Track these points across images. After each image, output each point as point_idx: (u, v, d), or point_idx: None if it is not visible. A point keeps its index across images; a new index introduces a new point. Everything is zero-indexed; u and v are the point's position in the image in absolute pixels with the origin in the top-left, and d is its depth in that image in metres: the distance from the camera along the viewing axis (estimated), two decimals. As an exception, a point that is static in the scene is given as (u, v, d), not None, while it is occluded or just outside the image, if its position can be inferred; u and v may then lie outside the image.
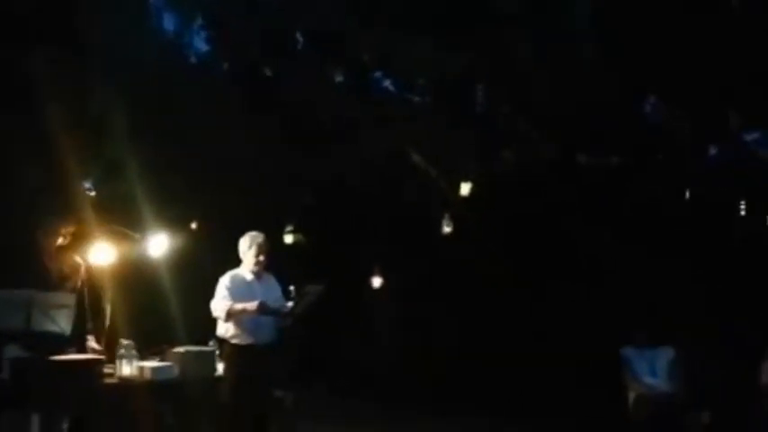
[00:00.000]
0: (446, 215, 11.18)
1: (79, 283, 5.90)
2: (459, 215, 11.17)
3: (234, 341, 6.29)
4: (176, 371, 5.68)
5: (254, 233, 6.52)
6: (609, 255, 10.45)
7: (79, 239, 6.05)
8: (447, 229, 11.22)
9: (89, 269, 6.01)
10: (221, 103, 10.46)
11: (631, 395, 7.66)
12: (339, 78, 11.31)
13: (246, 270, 6.47)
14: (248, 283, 6.43)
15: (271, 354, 6.41)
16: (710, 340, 8.90)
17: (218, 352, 6.14)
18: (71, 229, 5.92)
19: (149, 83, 9.95)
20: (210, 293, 6.38)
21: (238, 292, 6.33)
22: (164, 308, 7.53)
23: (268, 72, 11.70)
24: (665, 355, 7.78)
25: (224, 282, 6.38)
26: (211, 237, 10.01)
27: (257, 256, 6.43)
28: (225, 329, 6.29)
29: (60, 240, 5.86)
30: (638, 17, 8.98)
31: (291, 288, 6.40)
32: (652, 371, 7.73)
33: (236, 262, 6.51)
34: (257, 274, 6.48)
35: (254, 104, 10.78)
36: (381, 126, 10.42)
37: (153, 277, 7.46)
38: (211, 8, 11.97)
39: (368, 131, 10.40)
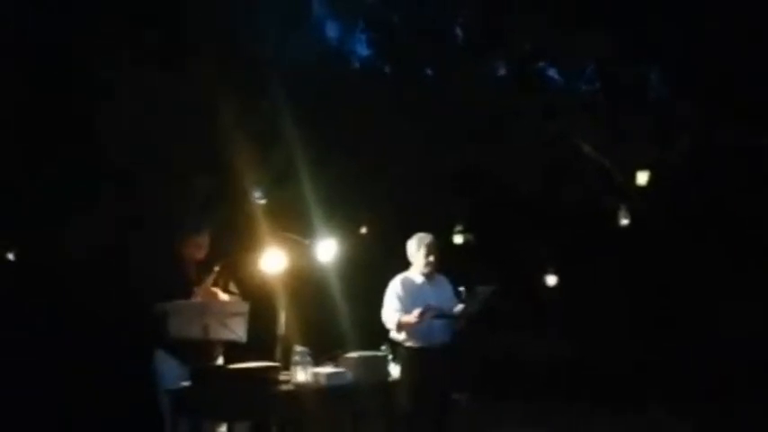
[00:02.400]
0: (622, 207, 10.63)
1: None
2: (636, 206, 10.62)
3: (408, 344, 6.19)
4: (350, 376, 5.62)
5: (422, 234, 6.40)
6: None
7: (248, 247, 6.13)
8: (624, 222, 10.68)
9: (261, 276, 6.06)
10: (385, 105, 10.45)
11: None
12: (502, 72, 11.06)
13: (416, 272, 6.35)
14: (419, 286, 6.31)
15: (446, 356, 6.27)
16: None
17: (390, 356, 6.04)
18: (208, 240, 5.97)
19: (315, 90, 10.10)
20: (381, 298, 6.31)
21: (409, 296, 6.21)
22: (335, 313, 7.54)
23: (429, 71, 11.64)
24: None
25: (394, 288, 6.28)
26: (380, 240, 9.99)
27: (427, 257, 6.30)
28: (399, 333, 6.21)
29: (203, 251, 5.92)
30: None
31: (462, 289, 6.23)
32: None
33: (401, 266, 6.41)
34: (428, 276, 6.35)
35: (418, 104, 10.71)
36: (548, 117, 10.06)
37: (323, 283, 7.49)
38: (373, 13, 12.04)
39: (534, 123, 10.07)
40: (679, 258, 10.56)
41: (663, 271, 10.82)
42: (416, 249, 6.32)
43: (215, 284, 5.81)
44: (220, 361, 5.78)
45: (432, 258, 6.30)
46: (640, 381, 10.29)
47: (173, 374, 5.52)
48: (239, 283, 6.04)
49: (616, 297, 11.44)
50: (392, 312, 6.18)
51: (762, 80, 8.84)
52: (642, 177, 10.37)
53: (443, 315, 6.20)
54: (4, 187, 6.97)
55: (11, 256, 7.37)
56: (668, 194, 10.50)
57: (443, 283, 6.48)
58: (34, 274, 7.04)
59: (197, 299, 5.69)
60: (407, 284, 6.29)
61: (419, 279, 6.33)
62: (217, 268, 5.80)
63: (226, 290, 5.90)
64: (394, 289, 6.26)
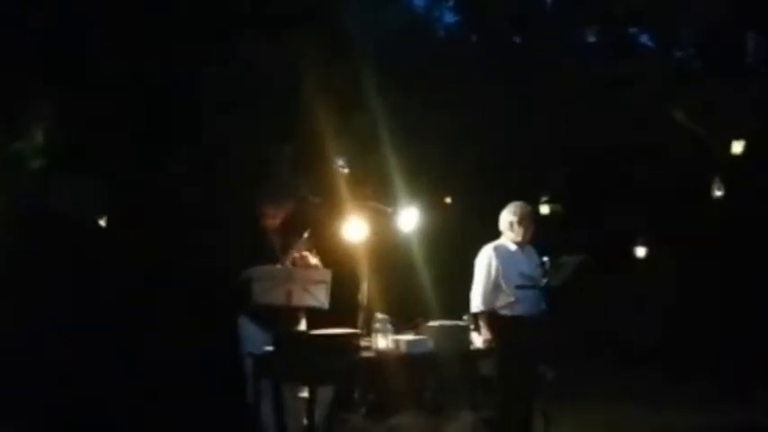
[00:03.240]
0: (716, 178, 10.28)
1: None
2: (731, 177, 10.23)
3: (503, 312, 6.19)
4: (430, 344, 5.61)
5: (519, 203, 6.40)
6: None
7: (332, 215, 6.17)
8: (718, 193, 10.32)
9: (344, 245, 6.10)
10: (472, 73, 10.33)
11: None
12: (591, 39, 10.77)
13: (509, 240, 6.36)
14: (512, 254, 6.33)
15: (538, 327, 6.22)
16: None
17: (472, 326, 6.01)
18: (286, 209, 6.02)
19: (401, 57, 10.05)
20: (464, 267, 6.30)
21: (503, 263, 6.24)
22: (417, 282, 7.53)
23: (517, 40, 11.44)
24: None
25: (487, 255, 6.27)
26: (465, 211, 9.93)
27: (524, 225, 6.30)
28: (483, 302, 6.19)
29: (278, 220, 5.98)
30: None
31: (546, 259, 6.16)
32: None
33: (488, 236, 6.38)
34: (521, 245, 6.35)
35: (506, 73, 10.55)
36: (640, 84, 9.76)
37: (406, 252, 7.49)
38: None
39: (625, 91, 9.79)
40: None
41: (758, 246, 10.41)
42: (514, 217, 6.32)
43: (308, 250, 5.89)
44: (303, 327, 5.85)
45: (531, 227, 6.32)
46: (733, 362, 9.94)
47: (256, 339, 5.62)
48: (322, 252, 6.09)
49: (707, 272, 11.08)
50: (477, 297, 6.20)
51: None
52: (737, 147, 10.00)
53: (530, 286, 6.16)
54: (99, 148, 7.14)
55: (102, 223, 7.58)
56: (765, 165, 10.08)
57: (532, 252, 6.46)
58: (125, 239, 7.23)
59: (287, 264, 5.77)
60: (502, 252, 6.31)
61: (513, 247, 6.34)
62: (306, 234, 5.86)
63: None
64: (488, 256, 6.28)
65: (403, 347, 5.49)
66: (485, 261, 6.27)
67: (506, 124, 10.74)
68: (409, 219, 6.34)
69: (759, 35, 9.81)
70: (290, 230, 5.99)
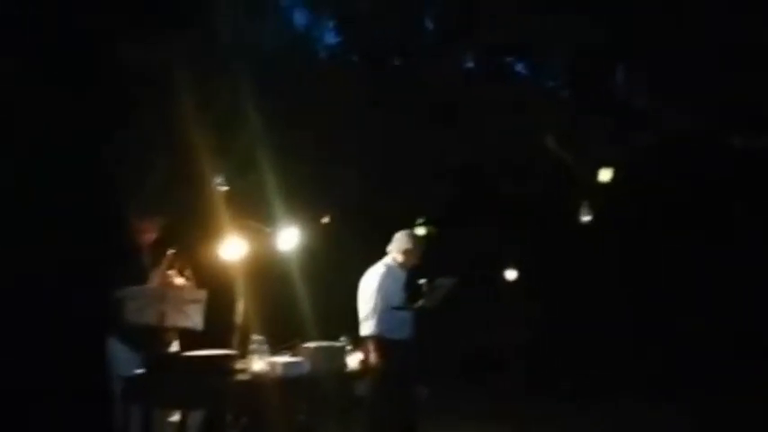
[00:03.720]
0: (584, 203, 10.69)
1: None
2: (599, 203, 10.67)
3: (390, 334, 6.34)
4: (307, 366, 5.57)
5: (411, 231, 6.88)
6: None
7: (208, 234, 6.04)
8: (586, 218, 10.73)
9: (220, 264, 5.98)
10: (352, 92, 10.36)
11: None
12: (470, 64, 11.02)
13: (395, 263, 6.64)
14: (399, 278, 6.63)
15: (412, 348, 6.33)
16: None
17: (349, 347, 6.00)
18: (161, 225, 5.90)
19: (280, 76, 9.97)
20: (342, 288, 6.33)
21: (394, 283, 6.56)
22: (295, 303, 7.47)
23: (397, 62, 11.57)
24: None
25: (380, 276, 6.53)
26: (342, 231, 9.92)
27: (417, 256, 6.63)
28: (377, 325, 6.35)
29: (150, 236, 5.84)
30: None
31: (422, 282, 6.27)
32: None
33: (365, 255, 6.45)
34: (404, 270, 6.67)
35: (385, 95, 10.64)
36: (516, 111, 10.06)
37: (284, 272, 7.42)
38: (342, 2, 11.94)
39: (501, 117, 10.06)
40: (640, 254, 10.65)
41: (623, 266, 10.90)
42: (409, 245, 6.61)
43: (170, 269, 5.73)
44: (175, 348, 5.69)
45: (419, 257, 6.65)
46: (603, 370, 10.36)
47: (126, 361, 5.43)
48: (197, 270, 5.94)
49: (576, 292, 11.50)
50: (374, 311, 6.39)
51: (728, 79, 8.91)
52: (605, 174, 10.44)
53: (407, 307, 6.26)
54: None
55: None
56: (630, 192, 10.58)
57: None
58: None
59: (153, 284, 5.60)
60: (393, 273, 6.58)
61: (399, 270, 6.61)
62: (170, 252, 5.71)
63: (181, 275, 5.81)
64: (380, 276, 6.51)
65: (279, 370, 5.43)
66: (377, 283, 6.37)
67: (384, 146, 10.81)
68: (288, 238, 6.30)
69: (628, 66, 10.27)
70: (162, 248, 5.82)
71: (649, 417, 9.00)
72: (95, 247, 5.51)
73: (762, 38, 8.68)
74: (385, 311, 6.38)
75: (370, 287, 6.45)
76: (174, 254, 5.74)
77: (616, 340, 10.97)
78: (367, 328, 6.35)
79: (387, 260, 6.64)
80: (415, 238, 6.75)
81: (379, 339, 6.31)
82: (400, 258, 6.61)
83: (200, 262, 6.00)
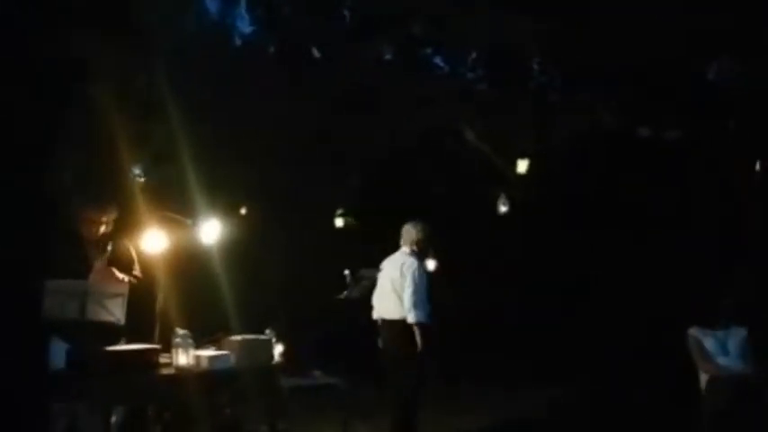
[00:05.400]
0: (502, 194, 10.88)
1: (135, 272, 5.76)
2: (516, 194, 10.87)
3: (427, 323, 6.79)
4: (232, 359, 5.51)
5: (416, 222, 7.07)
6: (677, 234, 10.09)
7: (127, 226, 5.91)
8: (503, 209, 10.92)
9: (141, 257, 5.86)
10: (268, 81, 10.28)
11: (703, 377, 7.30)
12: (388, 56, 11.05)
13: (415, 255, 6.98)
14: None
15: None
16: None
17: (274, 340, 5.96)
18: (113, 216, 5.77)
19: (194, 65, 9.82)
20: (264, 277, 6.29)
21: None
22: (218, 295, 7.38)
23: (315, 53, 11.51)
24: (736, 335, 7.40)
25: (419, 268, 6.88)
26: (261, 222, 9.85)
27: (428, 239, 7.04)
28: (423, 311, 6.75)
29: (103, 228, 5.71)
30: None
31: (347, 272, 6.28)
32: (724, 350, 7.36)
33: (285, 245, 6.43)
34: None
35: (302, 83, 10.59)
36: (432, 103, 10.14)
37: (206, 264, 7.32)
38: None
39: (419, 108, 10.13)
40: (555, 244, 10.87)
41: (539, 256, 11.12)
42: (419, 233, 6.99)
43: (110, 264, 5.62)
44: (98, 343, 5.54)
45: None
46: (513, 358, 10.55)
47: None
48: (117, 263, 5.80)
49: (492, 282, 11.68)
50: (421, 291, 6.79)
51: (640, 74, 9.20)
52: (522, 166, 10.64)
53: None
54: None
55: None
56: (546, 182, 10.80)
57: None
58: None
59: (93, 277, 5.48)
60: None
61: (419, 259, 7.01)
62: (110, 247, 5.59)
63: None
64: (418, 266, 6.87)
65: (204, 363, 5.35)
66: (417, 272, 6.81)
67: (301, 136, 10.76)
68: (209, 230, 6.21)
69: (545, 60, 10.47)
70: (105, 241, 5.69)
71: (537, 402, 9.24)
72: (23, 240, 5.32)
73: (670, 36, 8.98)
74: (425, 300, 6.72)
75: (411, 276, 6.76)
76: (112, 249, 5.62)
77: (524, 329, 11.16)
78: (414, 316, 6.64)
79: (406, 251, 6.93)
80: (421, 227, 7.00)
81: (426, 326, 6.65)
82: (416, 248, 6.92)
83: (120, 255, 5.86)
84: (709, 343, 7.35)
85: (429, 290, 6.83)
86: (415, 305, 6.68)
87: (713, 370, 7.22)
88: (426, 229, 7.03)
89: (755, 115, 9.36)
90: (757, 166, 9.72)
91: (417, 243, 6.94)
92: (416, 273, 6.79)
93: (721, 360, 7.27)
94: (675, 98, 9.54)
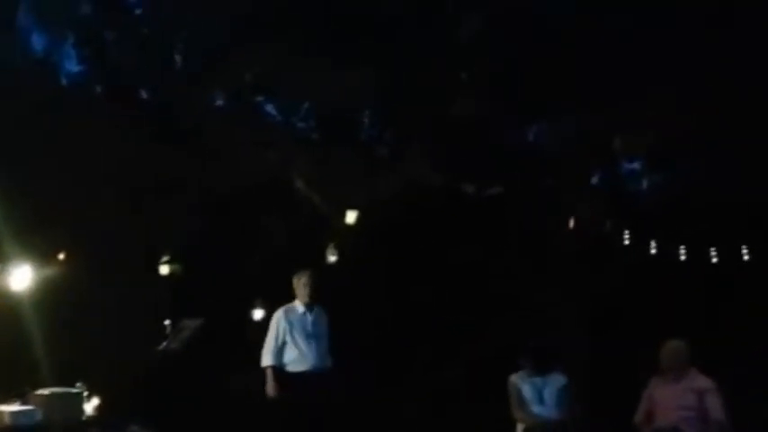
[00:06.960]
0: (331, 244, 10.97)
1: None
2: (344, 244, 10.97)
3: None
4: (40, 415, 5.22)
5: (298, 272, 7.54)
6: (497, 285, 10.47)
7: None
8: (332, 259, 11.01)
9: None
10: (95, 122, 9.98)
11: (520, 427, 7.52)
12: (219, 102, 10.98)
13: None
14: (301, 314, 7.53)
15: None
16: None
17: (86, 393, 5.70)
18: None
19: (14, 104, 9.41)
20: (81, 328, 6.02)
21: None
22: (27, 346, 6.99)
23: (145, 95, 11.27)
24: (555, 382, 7.64)
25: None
26: (80, 268, 9.43)
27: (304, 287, 7.48)
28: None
29: None
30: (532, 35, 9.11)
31: (167, 323, 6.12)
32: (540, 399, 7.60)
33: (108, 291, 6.19)
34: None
35: (129, 126, 10.34)
36: (263, 151, 10.16)
37: (15, 313, 6.92)
38: (84, 27, 11.46)
39: (249, 156, 10.11)
40: (383, 294, 11.01)
41: (366, 306, 11.22)
42: (294, 282, 7.47)
43: None
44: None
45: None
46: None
47: None
48: None
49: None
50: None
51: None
52: (351, 216, 10.79)
53: None
54: None
55: None
56: (374, 234, 10.98)
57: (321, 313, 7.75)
58: None
59: None
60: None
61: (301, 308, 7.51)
62: None
63: None
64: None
65: (7, 420, 5.07)
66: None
67: (128, 177, 10.46)
68: (20, 277, 5.92)
69: (373, 113, 10.71)
70: None
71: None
72: None
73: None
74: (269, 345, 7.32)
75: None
76: None
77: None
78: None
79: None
80: (297, 277, 7.50)
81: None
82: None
83: None
84: (526, 390, 7.59)
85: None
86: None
87: (527, 419, 7.45)
88: (300, 278, 7.54)
89: (570, 175, 9.95)
90: (571, 223, 10.30)
91: (296, 292, 7.53)
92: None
93: (536, 408, 7.51)
94: (497, 157, 9.98)
